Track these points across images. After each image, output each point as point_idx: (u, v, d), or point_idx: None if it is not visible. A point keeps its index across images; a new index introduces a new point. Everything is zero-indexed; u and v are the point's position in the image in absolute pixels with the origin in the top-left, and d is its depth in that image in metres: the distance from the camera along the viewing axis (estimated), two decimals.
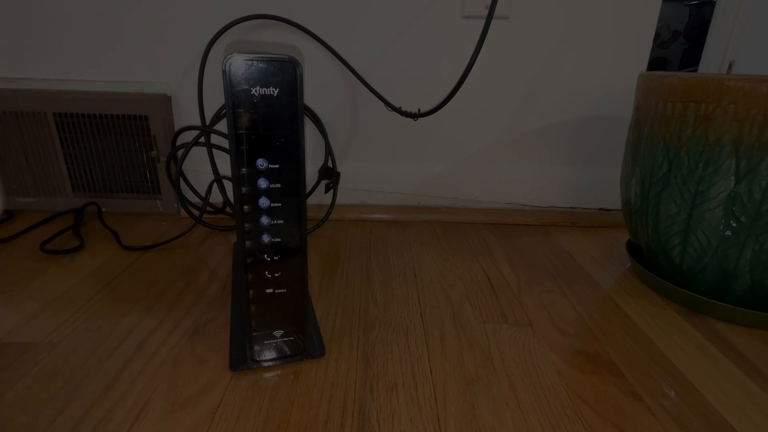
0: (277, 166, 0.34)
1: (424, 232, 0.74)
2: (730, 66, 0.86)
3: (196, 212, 0.72)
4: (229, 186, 0.75)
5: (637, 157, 0.56)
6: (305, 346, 0.42)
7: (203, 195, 0.71)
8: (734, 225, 0.47)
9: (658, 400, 0.39)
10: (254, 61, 0.31)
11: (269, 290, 0.38)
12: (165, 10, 0.68)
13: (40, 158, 0.73)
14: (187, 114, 0.74)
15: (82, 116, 0.70)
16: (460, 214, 0.78)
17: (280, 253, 0.37)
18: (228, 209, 0.73)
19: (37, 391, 0.37)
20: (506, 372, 0.41)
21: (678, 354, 0.45)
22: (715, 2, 0.88)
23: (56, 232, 0.67)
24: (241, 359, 0.41)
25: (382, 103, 0.72)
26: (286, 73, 0.32)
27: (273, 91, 0.32)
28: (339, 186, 0.79)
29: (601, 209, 0.81)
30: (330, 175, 0.70)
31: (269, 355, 0.41)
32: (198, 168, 0.75)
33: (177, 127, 0.74)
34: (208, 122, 0.70)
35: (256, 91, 0.32)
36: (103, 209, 0.76)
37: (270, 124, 0.33)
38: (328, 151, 0.70)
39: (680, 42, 2.26)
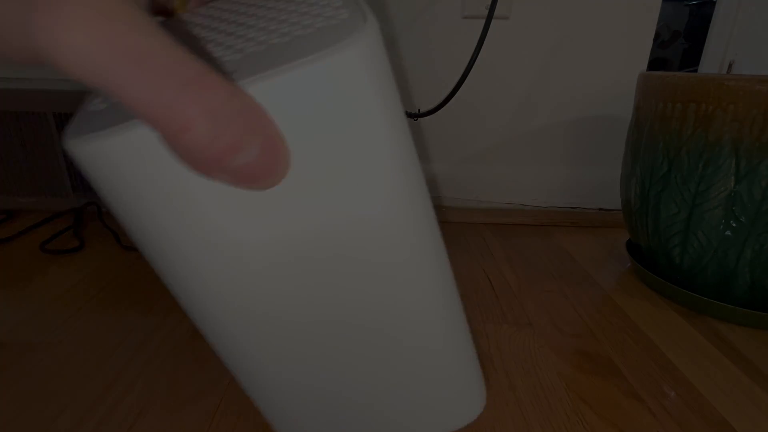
0: None
1: None
2: (730, 66, 0.86)
3: None
4: None
5: (637, 157, 0.56)
6: None
7: None
8: (734, 225, 0.47)
9: (658, 400, 0.39)
10: None
11: None
12: None
13: (40, 158, 0.73)
14: None
15: None
16: (460, 214, 0.78)
17: None
18: None
19: (37, 391, 0.37)
20: (506, 372, 0.41)
21: (678, 354, 0.45)
22: (715, 2, 0.88)
23: (56, 232, 0.67)
24: None
25: None
26: None
27: None
28: None
29: (601, 209, 0.81)
30: None
31: None
32: None
33: None
34: None
35: None
36: (103, 209, 0.76)
37: None
38: None
39: (680, 42, 2.26)
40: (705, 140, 0.47)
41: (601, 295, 0.56)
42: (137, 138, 0.12)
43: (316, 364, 0.17)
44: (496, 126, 0.76)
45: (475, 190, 0.80)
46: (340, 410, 0.19)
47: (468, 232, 0.74)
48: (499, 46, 0.71)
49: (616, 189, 0.80)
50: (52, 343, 0.43)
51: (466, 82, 0.74)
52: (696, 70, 0.86)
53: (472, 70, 0.73)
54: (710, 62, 0.88)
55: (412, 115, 0.69)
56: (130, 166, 0.12)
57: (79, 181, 0.74)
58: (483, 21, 0.59)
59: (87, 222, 0.72)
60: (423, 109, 0.75)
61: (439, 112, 0.76)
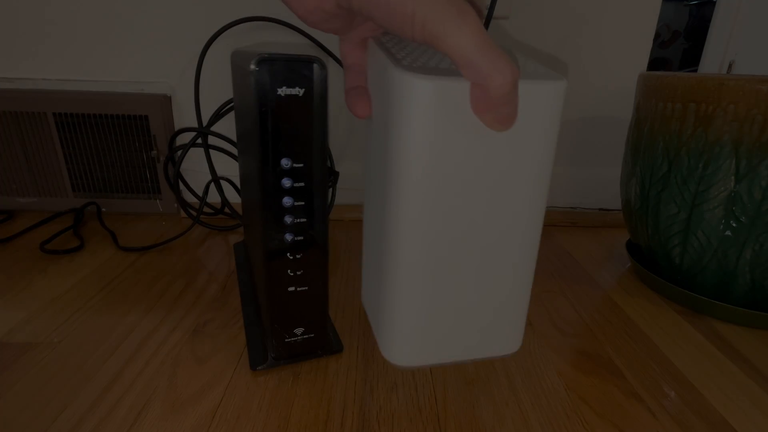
0: (301, 165, 0.34)
1: None
2: (730, 66, 0.86)
3: (195, 213, 0.72)
4: (228, 187, 0.75)
5: (637, 157, 0.56)
6: (326, 342, 0.42)
7: (201, 195, 0.71)
8: (734, 225, 0.47)
9: (658, 400, 0.39)
10: (281, 62, 0.31)
11: (291, 288, 0.38)
12: (166, 9, 0.68)
13: (40, 158, 0.73)
14: (187, 114, 0.74)
15: (82, 116, 0.70)
16: None
17: (303, 251, 0.37)
18: (227, 209, 0.73)
19: (37, 391, 0.37)
20: (506, 372, 0.41)
21: (678, 354, 0.45)
22: (715, 2, 0.88)
23: (56, 232, 0.67)
24: (260, 358, 0.41)
25: None
26: (313, 73, 0.32)
27: (299, 92, 0.32)
28: (338, 186, 0.79)
29: (601, 209, 0.81)
30: (329, 174, 0.70)
31: (290, 352, 0.41)
32: (197, 168, 0.75)
33: (177, 127, 0.74)
34: (206, 122, 0.70)
35: (282, 91, 0.32)
36: (103, 209, 0.76)
37: (295, 124, 0.33)
38: (327, 151, 0.70)
39: (680, 42, 2.26)
40: (705, 140, 0.47)
41: (601, 295, 0.56)
42: (462, 86, 0.21)
43: (454, 250, 0.25)
44: None
45: None
46: (444, 309, 0.26)
47: None
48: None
49: (616, 189, 0.80)
50: (52, 343, 0.43)
51: None
52: (696, 70, 0.86)
53: None
54: (710, 62, 0.88)
55: None
56: (446, 103, 0.22)
57: (79, 181, 0.74)
58: (483, 21, 0.59)
59: (87, 222, 0.72)
60: None
61: None
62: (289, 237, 0.36)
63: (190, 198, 0.76)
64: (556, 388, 0.40)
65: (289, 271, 0.37)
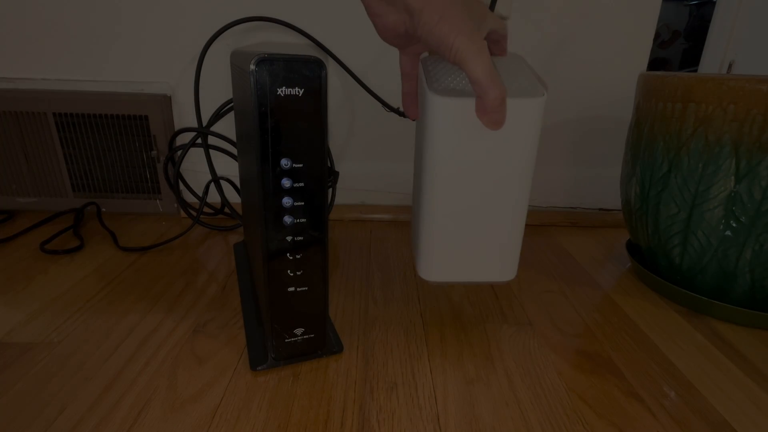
0: (300, 165, 0.34)
1: None
2: (730, 66, 0.86)
3: (195, 213, 0.72)
4: (228, 187, 0.75)
5: (637, 157, 0.56)
6: (325, 342, 0.42)
7: (201, 195, 0.71)
8: (734, 225, 0.47)
9: (658, 400, 0.39)
10: (281, 62, 0.31)
11: (291, 288, 0.38)
12: (165, 10, 0.68)
13: (40, 158, 0.73)
14: (187, 114, 0.74)
15: (82, 116, 0.70)
16: None
17: (303, 251, 0.37)
18: (226, 209, 0.73)
19: (37, 391, 0.37)
20: (506, 372, 0.41)
21: (678, 354, 0.45)
22: (715, 2, 0.88)
23: (56, 232, 0.67)
24: (260, 358, 0.41)
25: (380, 104, 0.72)
26: (312, 73, 0.32)
27: (298, 92, 0.32)
28: (338, 186, 0.79)
29: (601, 209, 0.81)
30: (329, 174, 0.70)
31: (290, 353, 0.41)
32: (197, 168, 0.75)
33: (177, 127, 0.74)
34: (206, 122, 0.70)
35: (282, 91, 0.32)
36: (103, 209, 0.76)
37: (295, 124, 0.33)
38: (326, 151, 0.70)
39: (680, 42, 2.26)
40: (705, 140, 0.47)
41: (601, 295, 0.56)
42: (469, 102, 0.34)
43: (467, 208, 0.39)
44: None
45: None
46: (460, 242, 0.40)
47: None
48: None
49: (616, 189, 0.80)
50: (52, 343, 0.43)
51: None
52: (696, 70, 0.86)
53: None
54: (710, 62, 0.88)
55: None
56: (461, 114, 0.35)
57: (79, 181, 0.74)
58: None
59: (87, 222, 0.72)
60: None
61: None
62: (289, 237, 0.36)
63: (190, 198, 0.76)
64: (556, 388, 0.40)
65: (289, 271, 0.37)
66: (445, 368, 0.42)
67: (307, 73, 0.32)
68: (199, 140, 0.69)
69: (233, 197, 0.76)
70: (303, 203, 0.36)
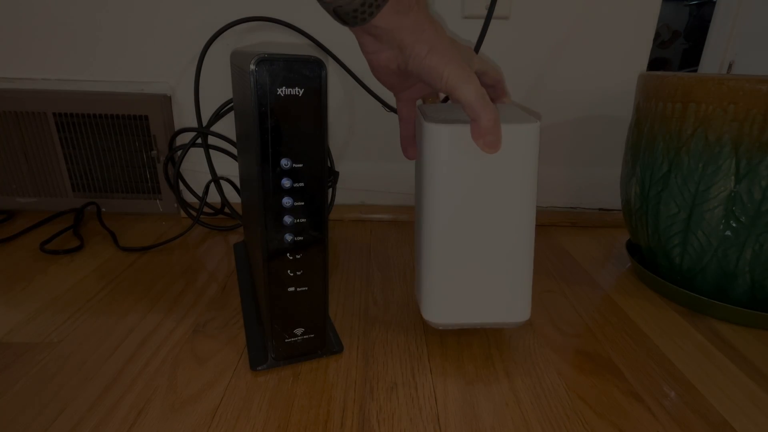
0: (300, 165, 0.34)
1: None
2: (730, 66, 0.86)
3: (195, 213, 0.72)
4: (228, 187, 0.75)
5: (637, 157, 0.56)
6: (325, 342, 0.42)
7: (201, 196, 0.71)
8: (734, 225, 0.47)
9: (658, 400, 0.39)
10: (281, 62, 0.31)
11: (291, 289, 0.38)
12: (166, 10, 0.68)
13: (40, 158, 0.73)
14: (187, 114, 0.74)
15: (82, 116, 0.70)
16: None
17: (303, 251, 0.37)
18: (226, 209, 0.73)
19: (37, 391, 0.37)
20: (506, 372, 0.41)
21: (678, 354, 0.45)
22: (715, 2, 0.88)
23: (56, 232, 0.67)
24: (260, 358, 0.41)
25: (380, 104, 0.72)
26: (312, 73, 0.32)
27: (298, 92, 0.32)
28: (338, 186, 0.79)
29: (601, 209, 0.81)
30: (329, 174, 0.70)
31: (290, 353, 0.41)
32: (197, 168, 0.75)
33: (177, 127, 0.74)
34: (206, 122, 0.70)
35: (281, 91, 0.32)
36: (103, 209, 0.76)
37: (295, 124, 0.33)
38: (326, 151, 0.70)
39: (680, 42, 2.26)
40: (705, 140, 0.47)
41: (601, 295, 0.56)
42: (465, 129, 0.35)
43: (472, 243, 0.38)
44: None
45: None
46: (465, 279, 0.39)
47: None
48: (499, 46, 0.71)
49: (616, 189, 0.80)
50: (52, 343, 0.43)
51: None
52: (696, 70, 0.86)
53: None
54: (710, 62, 0.88)
55: None
56: (458, 140, 0.35)
57: (79, 181, 0.74)
58: (483, 21, 0.59)
59: (87, 222, 0.72)
60: None
61: None
62: (289, 237, 0.36)
63: (190, 198, 0.76)
64: (556, 388, 0.40)
65: (289, 271, 0.37)
66: (445, 368, 0.42)
67: (307, 73, 0.32)
68: (199, 140, 0.69)
69: (233, 197, 0.76)
70: (303, 203, 0.36)
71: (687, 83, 0.48)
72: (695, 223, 0.50)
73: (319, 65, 0.32)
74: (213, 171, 0.71)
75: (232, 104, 0.69)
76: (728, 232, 0.48)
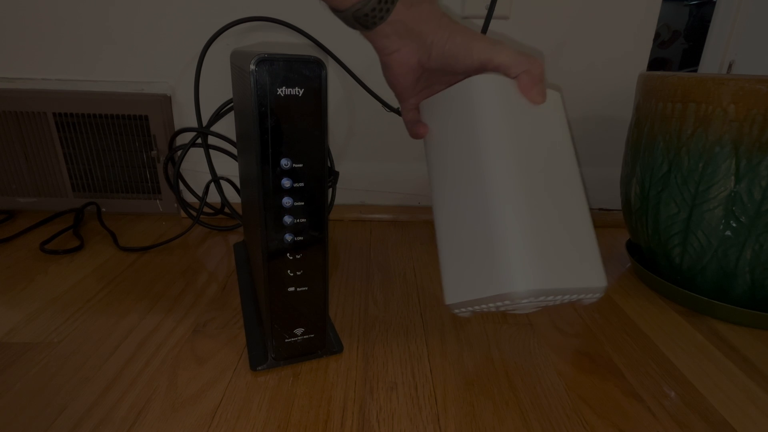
0: (300, 165, 0.34)
1: (424, 232, 0.74)
2: (730, 66, 0.86)
3: (195, 213, 0.72)
4: (228, 187, 0.75)
5: (637, 157, 0.56)
6: (325, 342, 0.42)
7: (201, 196, 0.71)
8: (734, 225, 0.47)
9: (658, 400, 0.39)
10: (281, 62, 0.31)
11: (291, 288, 0.38)
12: (165, 10, 0.68)
13: (40, 158, 0.73)
14: (187, 114, 0.74)
15: (82, 116, 0.70)
16: None
17: (303, 251, 0.37)
18: (226, 209, 0.73)
19: (37, 392, 0.37)
20: (506, 372, 0.41)
21: (678, 354, 0.45)
22: (715, 2, 0.88)
23: (56, 232, 0.67)
24: (260, 358, 0.41)
25: (380, 104, 0.72)
26: (312, 73, 0.32)
27: (298, 92, 0.32)
28: (338, 186, 0.79)
29: (601, 209, 0.81)
30: (329, 174, 0.70)
31: (290, 353, 0.41)
32: (197, 168, 0.75)
33: (177, 127, 0.74)
34: (206, 122, 0.70)
35: (281, 91, 0.32)
36: (103, 209, 0.76)
37: (295, 124, 0.33)
38: (326, 151, 0.70)
39: (680, 42, 2.26)
40: (705, 140, 0.47)
41: None
42: (503, 79, 0.34)
43: (535, 197, 0.33)
44: None
45: None
46: (537, 233, 0.32)
47: None
48: None
49: (616, 189, 0.80)
50: (52, 343, 0.43)
51: None
52: (696, 70, 0.86)
53: None
54: (710, 62, 0.88)
55: None
56: (504, 90, 0.34)
57: (79, 181, 0.74)
58: (483, 21, 0.59)
59: (87, 222, 0.72)
60: None
61: None
62: (289, 237, 0.36)
63: (190, 198, 0.76)
64: (556, 388, 0.40)
65: (289, 271, 0.37)
66: (445, 368, 0.42)
67: (307, 73, 0.32)
68: (199, 140, 0.69)
69: (233, 197, 0.76)
70: (303, 203, 0.36)
71: (687, 83, 0.48)
72: (695, 223, 0.50)
73: (319, 65, 0.32)
74: (213, 171, 0.71)
75: (232, 104, 0.69)
76: (728, 232, 0.48)
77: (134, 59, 0.71)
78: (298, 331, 0.40)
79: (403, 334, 0.46)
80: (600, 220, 0.79)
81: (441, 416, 0.36)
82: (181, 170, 0.72)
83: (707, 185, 0.48)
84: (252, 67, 0.31)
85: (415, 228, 0.75)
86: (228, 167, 0.74)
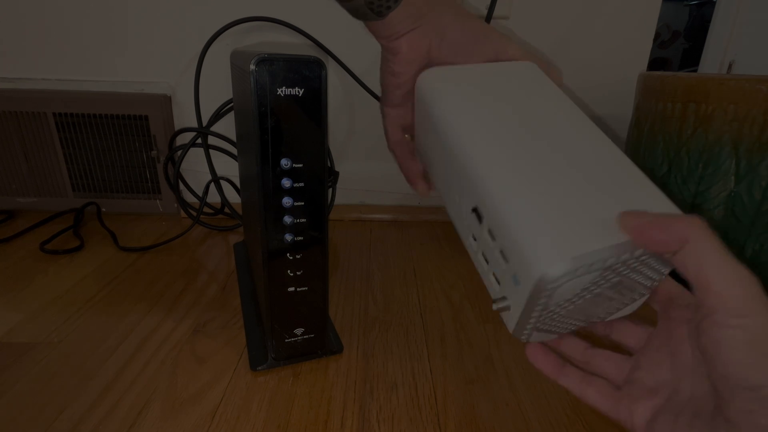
0: (300, 165, 0.34)
1: (424, 232, 0.74)
2: (730, 66, 0.86)
3: (195, 213, 0.72)
4: (228, 187, 0.75)
5: (637, 157, 0.56)
6: (325, 342, 0.42)
7: (201, 196, 0.71)
8: (734, 225, 0.47)
9: None
10: (280, 62, 0.31)
11: (291, 288, 0.38)
12: (166, 10, 0.68)
13: (40, 158, 0.73)
14: (187, 114, 0.74)
15: (82, 116, 0.70)
16: None
17: (303, 251, 0.37)
18: (226, 209, 0.73)
19: (37, 391, 0.37)
20: (506, 372, 0.41)
21: None
22: (715, 2, 0.88)
23: (56, 232, 0.67)
24: (260, 358, 0.41)
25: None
26: (312, 73, 0.32)
27: (298, 92, 0.32)
28: (338, 186, 0.79)
29: None
30: (329, 174, 0.70)
31: (290, 353, 0.41)
32: (197, 168, 0.75)
33: (177, 127, 0.74)
34: (206, 122, 0.70)
35: (281, 91, 0.32)
36: (103, 209, 0.76)
37: (295, 124, 0.33)
38: (326, 151, 0.70)
39: (680, 42, 2.26)
40: (705, 140, 0.47)
41: None
42: (453, 68, 0.33)
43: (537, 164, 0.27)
44: None
45: None
46: (556, 198, 0.25)
47: None
48: None
49: None
50: (52, 343, 0.43)
51: None
52: (696, 70, 0.86)
53: None
54: (710, 62, 0.88)
55: None
56: (446, 77, 0.32)
57: (79, 181, 0.74)
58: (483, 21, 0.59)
59: (87, 222, 0.72)
60: None
61: None
62: (289, 237, 0.36)
63: (190, 198, 0.76)
64: (556, 387, 0.40)
65: (289, 271, 0.37)
66: (445, 368, 0.42)
67: (307, 73, 0.32)
68: (199, 140, 0.69)
69: (233, 197, 0.76)
70: (303, 203, 0.36)
71: (687, 83, 0.48)
72: None
73: (319, 65, 0.32)
74: (213, 171, 0.71)
75: (232, 104, 0.69)
76: (728, 233, 0.48)
77: (134, 59, 0.71)
78: (298, 331, 0.40)
79: (403, 334, 0.46)
80: None
81: (441, 416, 0.36)
82: (181, 170, 0.72)
83: (707, 185, 0.48)
84: (252, 67, 0.31)
85: (415, 228, 0.75)
86: (228, 167, 0.74)
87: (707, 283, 0.19)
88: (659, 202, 0.26)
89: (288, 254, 0.37)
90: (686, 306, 0.25)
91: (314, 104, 0.33)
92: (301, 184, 0.35)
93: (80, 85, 0.71)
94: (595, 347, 0.30)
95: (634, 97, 0.62)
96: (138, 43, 0.70)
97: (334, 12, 0.69)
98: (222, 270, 0.59)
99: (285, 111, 0.32)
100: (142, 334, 0.45)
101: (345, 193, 0.79)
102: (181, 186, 0.75)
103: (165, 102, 0.71)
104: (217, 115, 0.70)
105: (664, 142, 0.51)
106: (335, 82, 0.73)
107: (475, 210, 0.28)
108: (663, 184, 0.52)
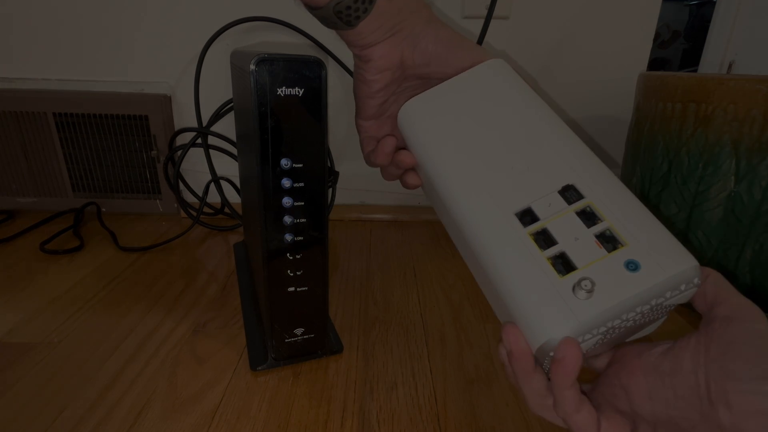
0: (300, 165, 0.34)
1: (424, 232, 0.74)
2: (730, 66, 0.86)
3: (195, 213, 0.72)
4: (228, 187, 0.75)
5: (637, 157, 0.56)
6: (325, 342, 0.42)
7: (201, 196, 0.71)
8: (734, 225, 0.47)
9: None
10: (280, 62, 0.31)
11: (291, 288, 0.38)
12: (165, 10, 0.68)
13: (40, 158, 0.73)
14: (187, 114, 0.74)
15: (82, 116, 0.70)
16: None
17: (303, 251, 0.37)
18: (226, 209, 0.73)
19: (37, 391, 0.37)
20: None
21: None
22: (715, 2, 0.88)
23: (56, 232, 0.67)
24: (260, 358, 0.41)
25: None
26: (312, 73, 0.32)
27: (298, 92, 0.32)
28: (338, 186, 0.79)
29: None
30: (329, 174, 0.70)
31: (290, 353, 0.41)
32: (197, 168, 0.75)
33: (177, 127, 0.74)
34: (206, 122, 0.70)
35: (281, 91, 0.32)
36: (103, 209, 0.76)
37: (295, 124, 0.33)
38: (326, 150, 0.70)
39: (680, 42, 2.26)
40: (705, 140, 0.47)
41: None
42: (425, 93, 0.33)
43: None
44: None
45: None
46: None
47: None
48: (499, 46, 0.71)
49: None
50: (52, 343, 0.43)
51: None
52: (696, 70, 0.86)
53: None
54: (710, 62, 0.88)
55: None
56: (423, 108, 0.32)
57: (79, 181, 0.74)
58: (483, 21, 0.59)
59: (87, 222, 0.72)
60: None
61: None
62: (289, 237, 0.36)
63: (190, 198, 0.76)
64: None
65: (289, 271, 0.37)
66: (445, 368, 0.42)
67: (307, 73, 0.32)
68: (199, 140, 0.69)
69: (233, 197, 0.76)
70: (303, 203, 0.36)
71: (687, 83, 0.48)
72: (695, 223, 0.50)
73: (319, 65, 0.32)
74: (213, 171, 0.71)
75: (232, 104, 0.69)
76: (728, 233, 0.48)
77: (134, 59, 0.71)
78: (298, 331, 0.40)
79: (403, 334, 0.46)
80: None
81: (441, 416, 0.36)
82: (181, 170, 0.72)
83: (707, 185, 0.48)
84: (252, 67, 0.31)
85: (415, 228, 0.75)
86: (228, 167, 0.74)
87: (727, 299, 0.24)
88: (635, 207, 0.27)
89: (288, 254, 0.37)
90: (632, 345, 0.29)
91: (314, 104, 0.33)
92: (301, 184, 0.35)
93: (80, 85, 0.71)
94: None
95: (634, 97, 0.62)
96: (138, 43, 0.70)
97: None
98: (222, 270, 0.59)
99: (285, 111, 0.32)
100: (142, 334, 0.45)
101: (345, 193, 0.79)
102: (181, 186, 0.75)
103: (165, 102, 0.71)
104: (217, 115, 0.70)
105: (664, 142, 0.51)
106: (335, 82, 0.73)
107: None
108: (663, 184, 0.52)
